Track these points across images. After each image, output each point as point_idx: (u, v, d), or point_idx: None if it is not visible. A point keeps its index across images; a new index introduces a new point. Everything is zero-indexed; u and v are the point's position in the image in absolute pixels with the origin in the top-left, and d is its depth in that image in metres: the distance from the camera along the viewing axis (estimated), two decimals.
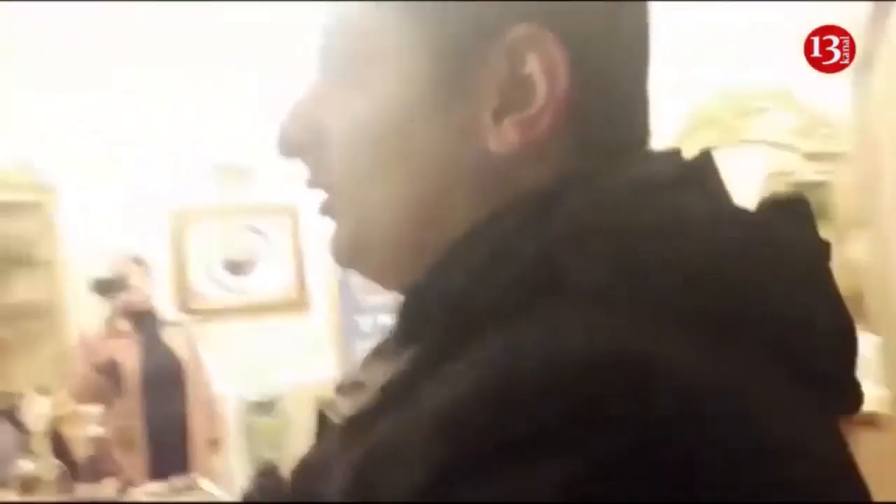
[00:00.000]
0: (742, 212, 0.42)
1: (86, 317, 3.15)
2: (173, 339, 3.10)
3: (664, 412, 0.32)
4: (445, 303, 0.41)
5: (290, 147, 0.49)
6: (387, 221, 0.46)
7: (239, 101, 3.69)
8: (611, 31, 0.44)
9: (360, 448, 0.38)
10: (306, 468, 0.49)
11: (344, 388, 0.47)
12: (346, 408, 0.45)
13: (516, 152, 0.42)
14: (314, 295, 4.24)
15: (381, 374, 0.42)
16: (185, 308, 3.89)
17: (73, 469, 2.59)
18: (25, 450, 2.49)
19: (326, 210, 0.49)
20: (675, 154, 0.45)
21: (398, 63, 0.44)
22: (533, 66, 0.41)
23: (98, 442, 2.62)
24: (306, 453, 0.51)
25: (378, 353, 0.49)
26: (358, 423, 0.42)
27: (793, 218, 0.42)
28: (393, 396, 0.40)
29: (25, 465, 2.35)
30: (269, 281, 4.12)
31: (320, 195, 0.49)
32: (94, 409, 2.87)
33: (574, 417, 0.31)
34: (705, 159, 0.45)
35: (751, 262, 0.39)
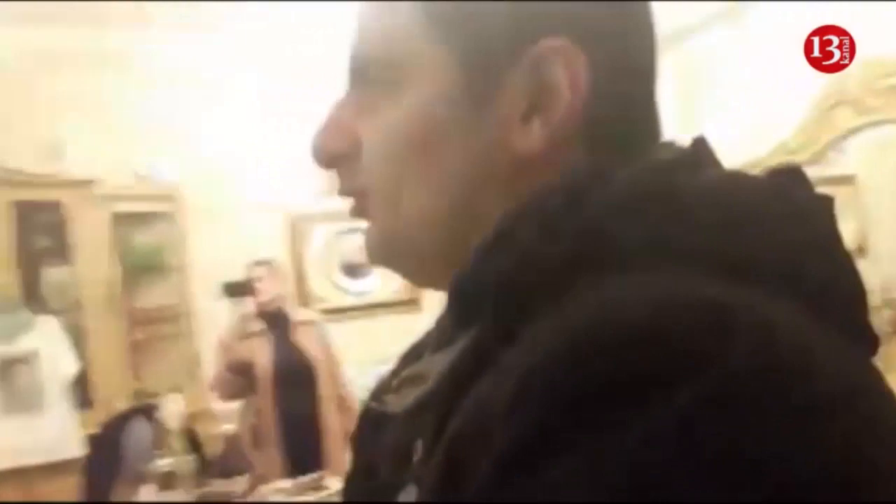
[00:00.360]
0: (758, 178, 0.44)
1: (215, 319, 3.26)
2: (305, 337, 3.16)
3: (748, 358, 0.32)
4: (498, 284, 0.41)
5: (327, 158, 0.50)
6: (420, 223, 0.48)
7: None
8: (625, 38, 0.47)
9: (432, 433, 0.39)
10: (365, 468, 0.51)
11: (393, 385, 0.48)
12: (402, 401, 0.46)
13: (542, 152, 0.45)
14: (427, 295, 4.26)
15: (439, 363, 0.44)
16: (313, 308, 3.97)
17: (206, 465, 2.68)
18: (162, 447, 2.59)
19: (359, 213, 0.51)
20: (676, 144, 0.48)
21: (431, 75, 0.46)
22: (559, 75, 0.44)
23: (231, 439, 2.71)
24: (355, 455, 0.54)
25: (427, 346, 0.50)
26: (425, 410, 0.43)
27: (797, 181, 0.44)
28: (460, 378, 0.40)
29: (164, 462, 2.45)
30: (384, 282, 4.17)
31: (351, 201, 0.51)
32: (228, 407, 2.97)
33: (660, 368, 0.32)
34: (703, 143, 0.47)
35: (781, 220, 0.40)
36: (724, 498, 0.30)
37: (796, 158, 3.26)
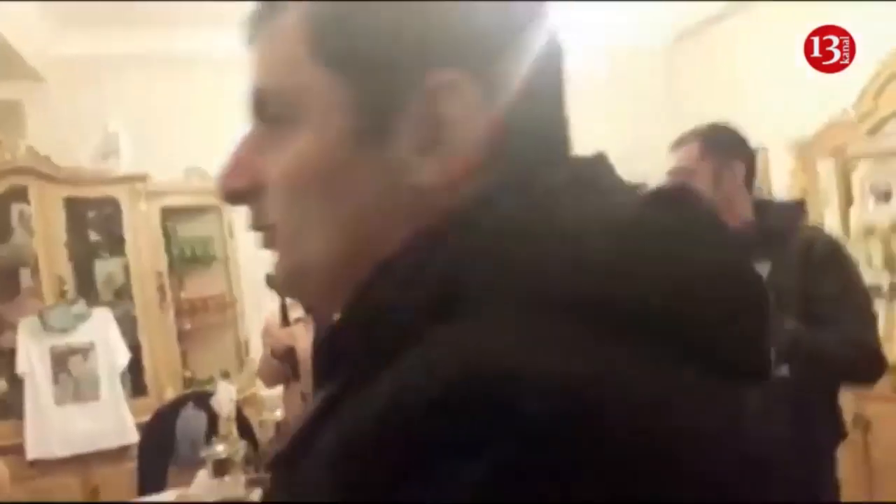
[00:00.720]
0: (633, 209, 0.43)
1: (261, 308, 3.33)
2: None
3: (534, 422, 0.32)
4: (358, 337, 0.42)
5: (232, 196, 0.51)
6: (323, 258, 0.48)
7: None
8: (522, 63, 0.46)
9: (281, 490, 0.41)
10: None
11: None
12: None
13: (441, 185, 0.45)
14: None
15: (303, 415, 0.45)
16: None
17: (258, 451, 2.74)
18: (215, 433, 2.66)
19: (267, 245, 0.51)
20: (576, 163, 0.48)
21: (325, 111, 0.46)
22: (451, 108, 0.44)
23: (280, 424, 2.77)
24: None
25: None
26: (278, 464, 0.45)
27: (678, 207, 0.43)
28: (304, 434, 0.42)
29: (217, 448, 2.51)
30: None
31: (261, 234, 0.51)
32: (275, 393, 3.04)
33: (448, 439, 0.33)
34: (599, 163, 0.48)
35: (646, 258, 0.40)
36: None
37: (857, 129, 3.21)
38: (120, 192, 3.51)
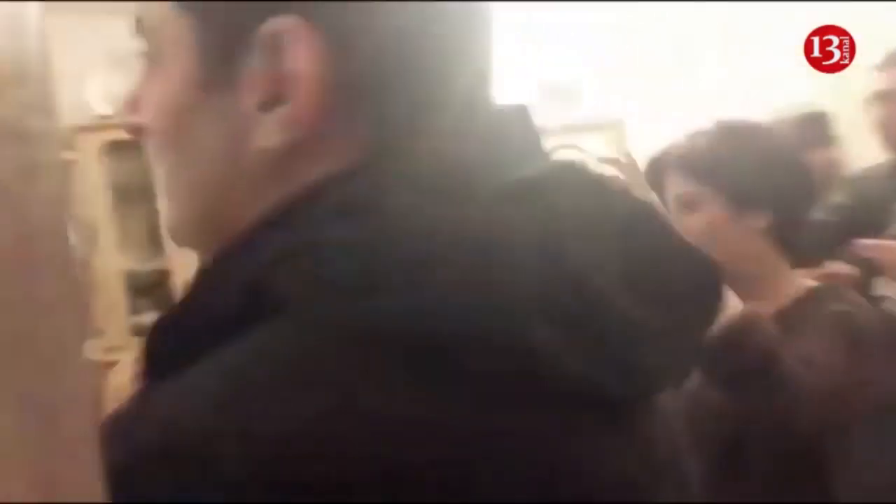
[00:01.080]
0: (457, 219, 0.37)
1: None
2: None
3: (237, 478, 0.31)
4: (167, 337, 0.40)
5: (129, 131, 0.47)
6: (184, 216, 0.45)
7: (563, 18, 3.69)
8: (392, 14, 0.40)
9: None
10: None
11: None
12: None
13: (287, 147, 0.40)
14: None
15: None
16: None
17: None
18: None
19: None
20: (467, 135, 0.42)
21: (176, 52, 0.42)
22: (291, 60, 0.39)
23: None
24: None
25: None
26: None
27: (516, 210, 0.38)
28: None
29: None
30: None
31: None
32: None
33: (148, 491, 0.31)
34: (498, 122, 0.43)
35: (439, 277, 0.35)
36: None
37: None
38: None
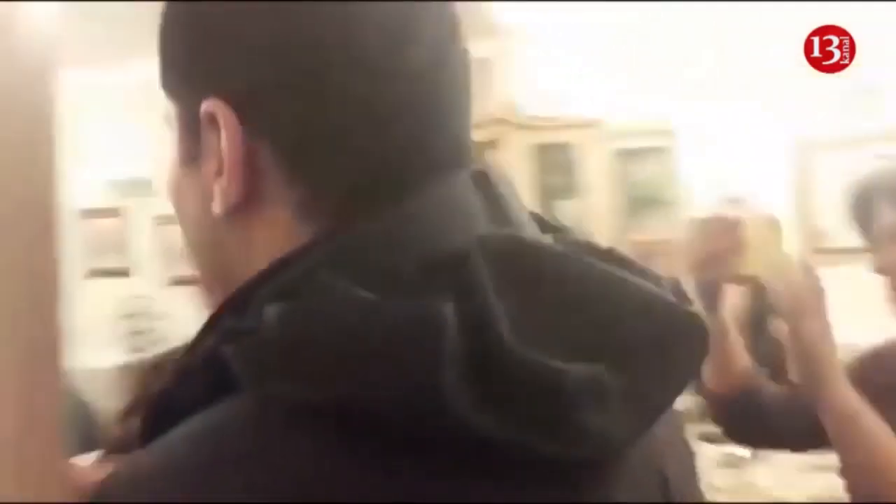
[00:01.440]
0: (365, 304, 0.39)
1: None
2: None
3: None
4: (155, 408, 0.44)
5: None
6: (195, 268, 0.51)
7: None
8: (308, 103, 0.43)
9: None
10: None
11: None
12: None
13: (233, 215, 0.45)
14: None
15: None
16: (812, 247, 3.74)
17: None
18: None
19: None
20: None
21: (173, 136, 0.49)
22: (221, 136, 0.44)
23: None
24: None
25: None
26: None
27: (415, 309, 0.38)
28: None
29: None
30: None
31: None
32: None
33: None
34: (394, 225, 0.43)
35: (351, 356, 0.37)
36: None
37: None
38: (576, 137, 3.67)
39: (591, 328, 0.41)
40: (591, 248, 0.47)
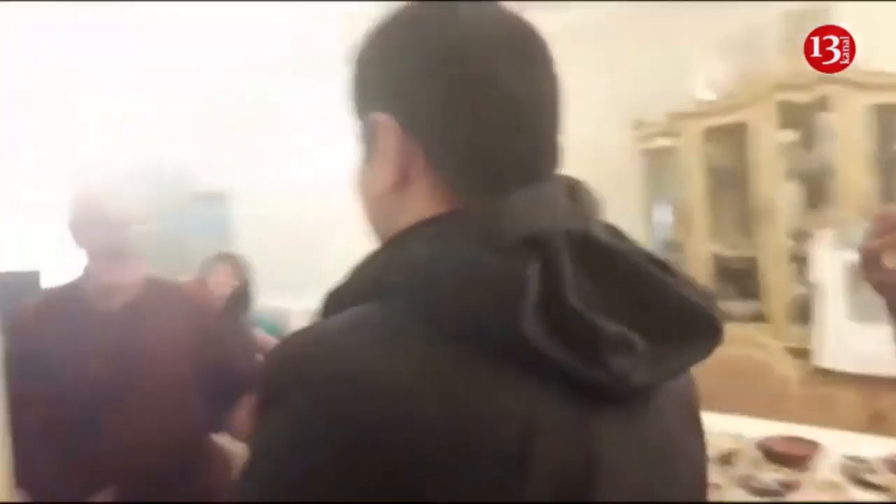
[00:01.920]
0: (463, 254, 0.58)
1: None
2: None
3: (325, 383, 0.53)
4: (331, 299, 0.64)
5: None
6: (369, 226, 0.73)
7: None
8: (450, 113, 0.64)
9: None
10: None
11: None
12: None
13: (392, 192, 0.66)
14: None
15: None
16: None
17: None
18: None
19: None
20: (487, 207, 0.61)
21: (358, 144, 0.72)
22: (380, 138, 0.66)
23: None
24: None
25: None
26: None
27: (491, 253, 0.57)
28: None
29: None
30: None
31: None
32: None
33: (281, 385, 0.56)
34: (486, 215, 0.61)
35: (463, 285, 0.56)
36: (322, 455, 0.51)
37: None
38: None
39: (631, 306, 0.59)
40: (647, 255, 0.64)
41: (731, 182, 3.54)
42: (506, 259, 0.56)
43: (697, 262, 3.50)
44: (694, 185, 3.49)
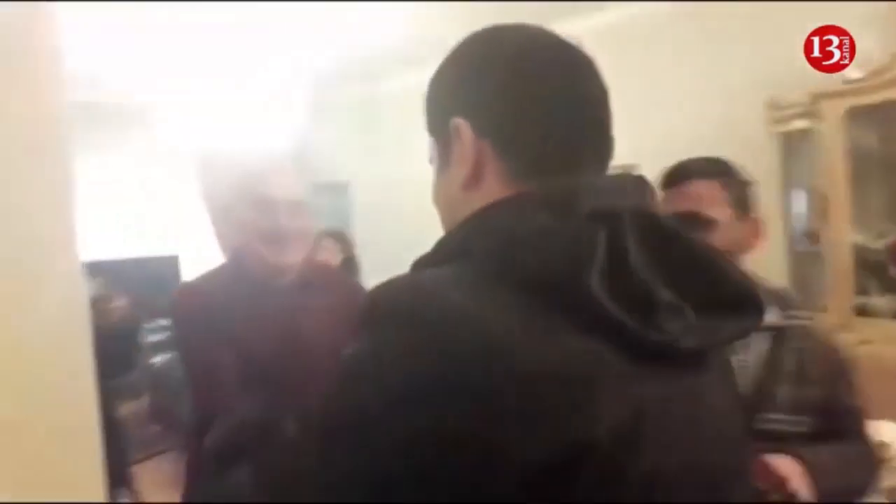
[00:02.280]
0: (518, 214, 0.69)
1: None
2: None
3: (411, 319, 0.62)
4: (420, 262, 0.74)
5: None
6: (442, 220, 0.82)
7: None
8: (522, 111, 0.74)
9: None
10: None
11: None
12: None
13: (466, 190, 0.76)
14: None
15: None
16: None
17: None
18: None
19: None
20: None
21: (432, 163, 0.84)
22: (457, 143, 0.76)
23: None
24: None
25: None
26: None
27: (539, 212, 0.68)
28: None
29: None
30: None
31: None
32: None
33: (375, 317, 0.65)
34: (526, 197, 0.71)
35: (524, 246, 0.65)
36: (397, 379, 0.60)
37: None
38: None
39: (684, 279, 0.67)
40: (697, 243, 0.72)
41: (876, 167, 3.27)
42: (577, 227, 0.64)
43: (837, 253, 3.25)
44: (835, 169, 3.24)
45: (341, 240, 3.76)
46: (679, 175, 1.50)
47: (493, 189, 0.73)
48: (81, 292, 0.68)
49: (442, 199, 0.81)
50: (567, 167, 0.72)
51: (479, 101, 0.75)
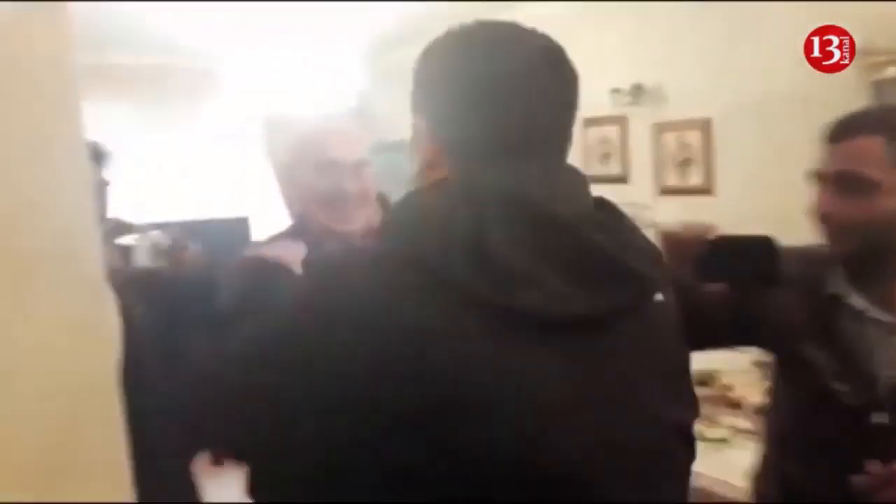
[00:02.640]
0: (442, 203, 0.82)
1: None
2: None
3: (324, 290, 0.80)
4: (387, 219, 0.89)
5: None
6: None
7: None
8: (477, 111, 0.85)
9: None
10: None
11: None
12: None
13: (425, 172, 0.89)
14: None
15: None
16: None
17: None
18: None
19: None
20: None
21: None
22: (415, 135, 0.91)
23: None
24: None
25: None
26: None
27: (459, 199, 0.82)
28: None
29: None
30: None
31: None
32: None
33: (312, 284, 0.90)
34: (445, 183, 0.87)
35: (438, 230, 0.78)
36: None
37: None
38: None
39: (554, 255, 0.76)
40: (590, 217, 0.84)
41: None
42: (451, 209, 0.76)
43: None
44: None
45: (383, 203, 3.73)
46: (840, 130, 1.33)
47: (442, 174, 0.87)
48: (107, 292, 0.67)
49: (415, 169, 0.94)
50: (494, 157, 0.83)
51: (433, 103, 0.88)
